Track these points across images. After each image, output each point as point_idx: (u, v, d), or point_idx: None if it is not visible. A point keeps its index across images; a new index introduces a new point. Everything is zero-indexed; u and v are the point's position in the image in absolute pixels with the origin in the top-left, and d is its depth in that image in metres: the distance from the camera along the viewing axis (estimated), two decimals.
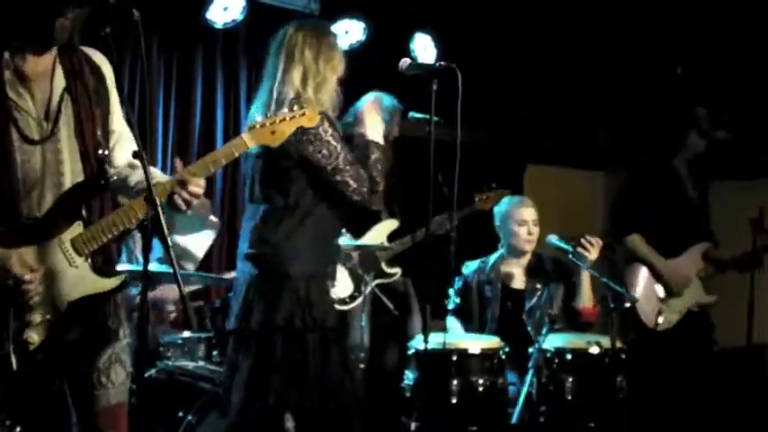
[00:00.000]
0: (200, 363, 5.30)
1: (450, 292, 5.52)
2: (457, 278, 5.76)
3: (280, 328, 3.99)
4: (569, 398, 5.01)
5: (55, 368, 3.20)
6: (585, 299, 5.54)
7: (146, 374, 5.06)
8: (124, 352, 3.33)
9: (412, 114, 5.37)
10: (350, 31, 6.87)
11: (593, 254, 5.39)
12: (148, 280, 3.21)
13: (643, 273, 5.65)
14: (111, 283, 3.20)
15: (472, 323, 5.68)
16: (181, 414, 4.71)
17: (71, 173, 3.14)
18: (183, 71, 6.92)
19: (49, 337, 3.07)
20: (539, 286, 5.67)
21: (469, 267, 5.85)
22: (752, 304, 5.64)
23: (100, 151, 3.20)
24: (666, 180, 5.72)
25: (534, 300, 5.64)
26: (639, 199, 5.69)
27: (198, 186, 3.19)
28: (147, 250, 3.16)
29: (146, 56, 6.56)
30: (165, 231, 3.02)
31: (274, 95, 4.07)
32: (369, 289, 5.84)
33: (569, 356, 5.10)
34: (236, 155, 3.35)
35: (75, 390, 3.26)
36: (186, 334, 5.50)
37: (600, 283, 5.27)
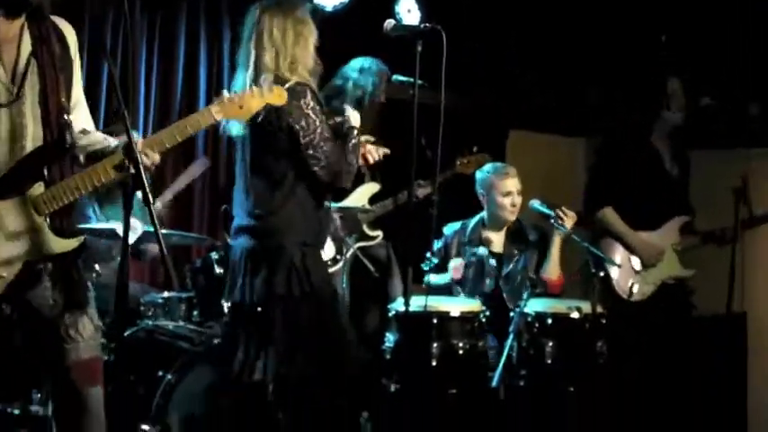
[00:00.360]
0: (181, 322, 5.30)
1: (428, 254, 5.52)
2: (436, 240, 5.76)
3: (280, 297, 4.02)
4: (549, 362, 5.03)
5: (17, 325, 3.20)
6: (551, 270, 5.55)
7: (125, 333, 5.07)
8: (90, 305, 3.33)
9: (396, 77, 5.35)
10: None
11: (567, 225, 5.40)
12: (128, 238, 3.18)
13: (617, 245, 5.65)
14: (70, 243, 3.21)
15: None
16: (160, 373, 4.71)
17: (32, 137, 3.14)
18: (166, 29, 6.85)
19: (6, 295, 3.08)
20: (516, 252, 5.70)
21: (450, 228, 5.85)
22: (732, 272, 5.65)
23: (65, 116, 3.20)
24: (642, 154, 5.72)
25: (512, 265, 5.66)
26: (615, 173, 5.68)
27: (150, 160, 3.18)
28: (128, 208, 3.13)
29: (129, 13, 6.57)
30: (147, 188, 3.02)
31: (248, 83, 4.07)
32: (350, 252, 5.83)
33: (550, 321, 5.12)
34: (203, 126, 3.35)
35: (44, 346, 3.26)
36: (167, 294, 5.50)
37: (581, 247, 5.28)
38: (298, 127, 4.02)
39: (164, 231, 5.75)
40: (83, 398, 3.26)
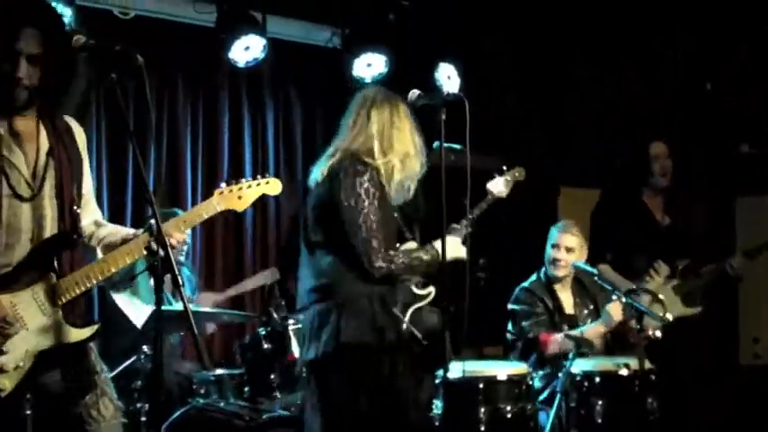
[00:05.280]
0: (232, 399, 5.35)
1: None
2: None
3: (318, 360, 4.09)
4: (600, 421, 4.97)
5: (37, 411, 3.25)
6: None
7: (178, 412, 5.13)
8: (108, 386, 3.41)
9: (437, 144, 5.38)
10: (372, 64, 6.91)
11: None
12: (162, 319, 3.25)
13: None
14: (83, 333, 3.29)
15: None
16: None
17: (50, 229, 3.25)
18: (209, 111, 7.03)
19: (23, 383, 3.14)
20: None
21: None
22: None
23: (75, 207, 3.32)
24: (632, 209, 5.90)
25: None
26: (607, 227, 5.83)
27: (174, 239, 3.33)
28: (158, 290, 3.21)
29: (171, 97, 6.75)
30: (176, 271, 3.10)
31: (345, 152, 4.18)
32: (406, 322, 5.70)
33: (598, 379, 5.07)
34: (205, 216, 3.56)
35: (64, 430, 3.31)
36: (219, 371, 5.56)
37: (627, 305, 5.24)
38: (345, 204, 4.06)
39: (214, 310, 5.91)
40: None
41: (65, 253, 3.29)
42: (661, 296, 5.30)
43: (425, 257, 4.28)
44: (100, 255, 3.40)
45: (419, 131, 4.39)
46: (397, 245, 4.77)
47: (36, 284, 3.19)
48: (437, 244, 4.25)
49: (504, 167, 5.83)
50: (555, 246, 5.73)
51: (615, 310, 5.44)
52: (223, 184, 3.64)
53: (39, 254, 3.21)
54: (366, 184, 4.07)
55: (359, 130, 4.24)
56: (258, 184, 3.72)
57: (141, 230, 3.33)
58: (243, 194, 3.64)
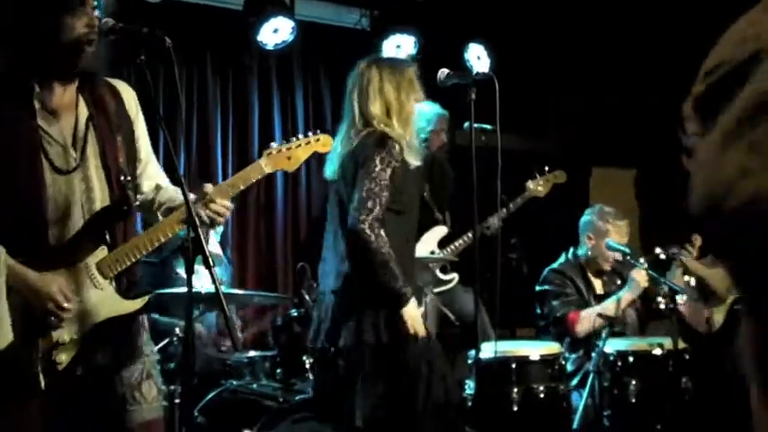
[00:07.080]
0: (264, 381, 5.36)
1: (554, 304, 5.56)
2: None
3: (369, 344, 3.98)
4: (633, 401, 4.95)
5: (85, 387, 3.26)
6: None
7: (211, 394, 5.15)
8: (154, 368, 3.38)
9: (467, 124, 5.37)
10: (401, 46, 6.89)
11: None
12: (193, 301, 3.25)
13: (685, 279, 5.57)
14: (134, 304, 3.26)
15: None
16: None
17: (101, 200, 3.20)
18: (238, 94, 7.04)
19: (77, 357, 3.14)
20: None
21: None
22: None
23: (122, 177, 3.26)
24: (678, 181, 5.74)
25: None
26: (660, 202, 5.73)
27: (222, 206, 3.28)
28: (189, 271, 3.21)
29: (200, 81, 6.77)
30: (206, 252, 3.08)
31: (358, 130, 4.09)
32: (429, 298, 5.79)
33: (632, 359, 5.04)
34: (253, 180, 3.44)
35: (108, 408, 3.31)
36: (251, 353, 5.58)
37: (658, 282, 5.21)
38: (362, 170, 3.97)
39: (246, 292, 5.93)
40: None
41: (117, 225, 3.25)
42: (691, 280, 5.23)
43: (397, 286, 3.94)
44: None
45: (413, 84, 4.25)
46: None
47: (88, 258, 3.17)
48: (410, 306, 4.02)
49: (546, 168, 5.83)
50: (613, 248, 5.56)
51: (640, 276, 5.40)
52: (273, 144, 3.53)
53: (90, 227, 3.18)
54: (383, 154, 3.96)
55: (366, 105, 4.11)
56: (308, 143, 3.61)
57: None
58: (292, 154, 3.53)
